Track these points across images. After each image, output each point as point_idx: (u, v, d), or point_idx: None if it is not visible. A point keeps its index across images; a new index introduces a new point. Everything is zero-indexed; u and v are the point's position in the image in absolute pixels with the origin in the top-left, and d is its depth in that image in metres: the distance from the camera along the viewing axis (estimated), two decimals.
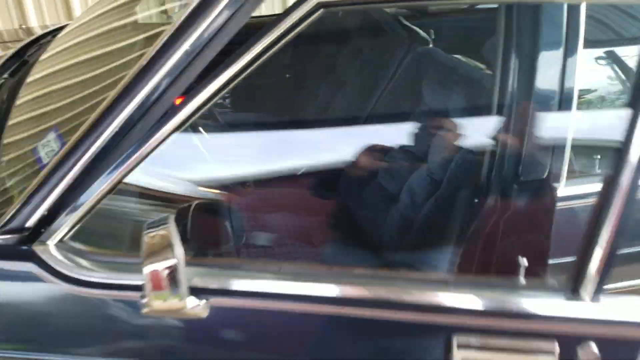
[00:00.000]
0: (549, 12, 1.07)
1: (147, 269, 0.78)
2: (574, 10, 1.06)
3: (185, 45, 0.85)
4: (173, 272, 0.79)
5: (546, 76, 1.09)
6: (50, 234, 0.92)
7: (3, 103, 1.34)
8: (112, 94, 0.88)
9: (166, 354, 0.93)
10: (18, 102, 1.26)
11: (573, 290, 0.85)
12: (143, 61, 0.87)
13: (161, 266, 0.78)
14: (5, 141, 1.17)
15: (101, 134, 0.87)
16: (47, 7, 3.52)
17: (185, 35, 0.85)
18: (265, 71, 1.48)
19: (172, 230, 0.79)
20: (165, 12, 1.39)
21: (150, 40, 0.99)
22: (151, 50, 0.87)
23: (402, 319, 0.86)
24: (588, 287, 0.84)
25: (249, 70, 0.85)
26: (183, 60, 0.85)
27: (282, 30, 0.85)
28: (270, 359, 0.93)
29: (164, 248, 0.78)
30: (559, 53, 1.07)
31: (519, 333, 0.86)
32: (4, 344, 0.94)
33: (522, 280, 0.97)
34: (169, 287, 0.79)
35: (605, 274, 0.83)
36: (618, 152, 0.80)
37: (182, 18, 0.86)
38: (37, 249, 0.92)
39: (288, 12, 0.86)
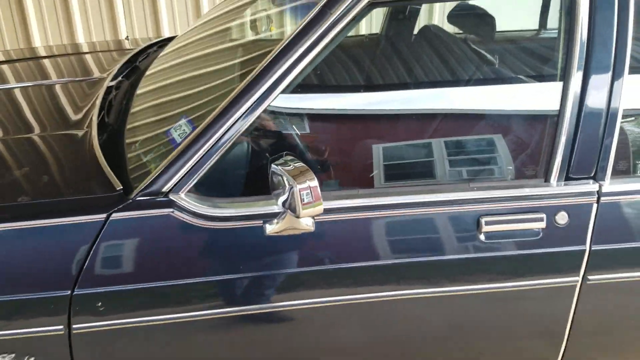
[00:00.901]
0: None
1: (304, 185, 1.11)
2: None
3: (294, 55, 1.18)
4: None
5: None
6: (179, 189, 1.23)
7: (123, 99, 1.67)
8: (236, 90, 1.19)
9: (280, 265, 1.29)
10: (139, 97, 1.55)
11: (546, 179, 1.32)
12: (259, 67, 1.19)
13: (314, 183, 1.12)
14: (129, 126, 1.45)
15: (224, 123, 1.19)
16: (51, 28, 3.91)
17: (295, 46, 1.18)
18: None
19: (310, 174, 1.13)
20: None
21: (261, 46, 1.31)
22: (267, 58, 1.19)
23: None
24: (556, 174, 1.31)
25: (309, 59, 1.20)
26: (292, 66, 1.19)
27: (339, 28, 1.20)
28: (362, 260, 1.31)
29: (304, 173, 1.13)
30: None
31: (520, 210, 1.31)
32: (148, 280, 1.25)
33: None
34: (321, 199, 1.13)
35: (568, 165, 1.30)
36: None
37: (295, 32, 1.19)
38: (174, 197, 1.23)
39: (342, 11, 1.21)
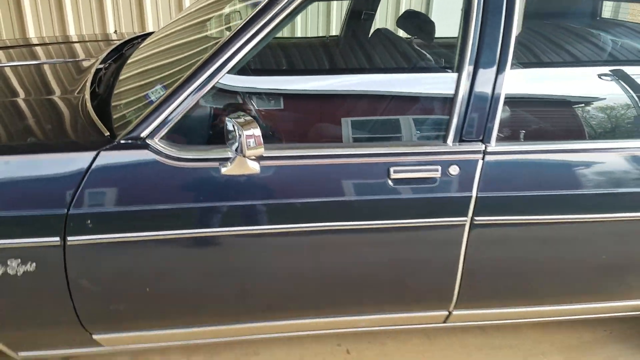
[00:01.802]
0: None
1: (249, 132, 1.47)
2: None
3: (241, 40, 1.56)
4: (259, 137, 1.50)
5: None
6: (154, 136, 1.60)
7: (111, 75, 2.08)
8: (195, 65, 1.57)
9: (232, 198, 1.64)
10: (125, 72, 1.97)
11: (444, 141, 1.69)
12: (216, 46, 1.56)
13: (258, 132, 1.48)
14: (116, 91, 1.82)
15: (188, 88, 1.56)
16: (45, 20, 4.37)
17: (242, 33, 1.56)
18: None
19: (254, 122, 1.50)
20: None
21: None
22: (221, 41, 1.57)
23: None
24: (451, 138, 1.68)
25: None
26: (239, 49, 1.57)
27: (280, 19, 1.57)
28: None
29: (250, 123, 1.49)
30: None
31: (422, 162, 1.68)
32: (126, 205, 1.60)
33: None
34: (262, 144, 1.50)
35: (461, 131, 1.67)
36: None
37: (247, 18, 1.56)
38: (150, 142, 1.59)
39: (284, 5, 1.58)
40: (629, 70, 2.05)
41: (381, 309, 1.92)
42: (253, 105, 1.85)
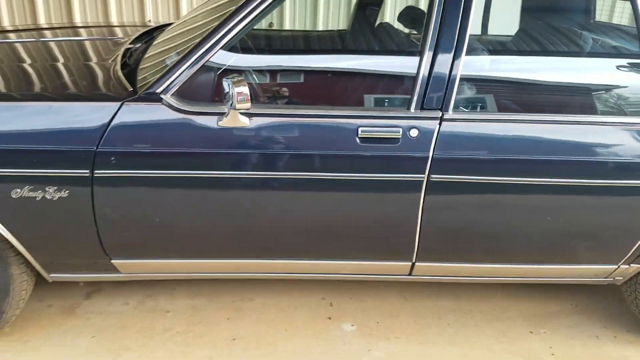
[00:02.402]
0: None
1: (240, 90, 1.84)
2: None
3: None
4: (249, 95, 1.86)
5: None
6: (167, 92, 1.98)
7: (140, 51, 2.53)
8: (198, 40, 1.97)
9: (226, 146, 2.00)
10: (150, 49, 2.43)
11: (408, 108, 2.03)
12: (212, 26, 1.96)
13: (246, 90, 1.85)
14: (142, 61, 2.25)
15: (193, 56, 1.96)
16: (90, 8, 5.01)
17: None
18: None
19: (243, 82, 1.87)
20: None
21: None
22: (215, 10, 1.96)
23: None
24: (413, 105, 2.02)
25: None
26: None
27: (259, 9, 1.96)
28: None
29: (241, 82, 1.85)
30: None
31: (386, 125, 2.01)
32: (142, 146, 1.98)
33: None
34: (251, 100, 1.86)
35: (422, 101, 2.01)
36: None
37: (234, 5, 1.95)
38: (163, 96, 1.97)
39: None
40: (587, 60, 2.37)
41: (352, 256, 2.24)
42: (253, 77, 2.23)
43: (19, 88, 2.18)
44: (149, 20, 4.86)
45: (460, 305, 2.71)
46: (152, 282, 2.70)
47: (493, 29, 3.00)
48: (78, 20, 4.99)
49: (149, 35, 2.82)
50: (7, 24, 4.91)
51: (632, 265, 2.26)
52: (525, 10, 2.72)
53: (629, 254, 2.21)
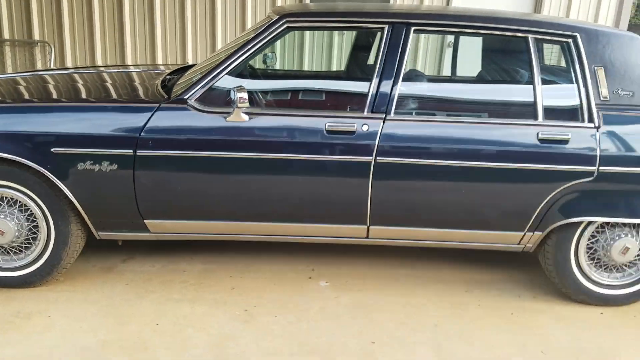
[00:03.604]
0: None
1: (241, 95, 2.66)
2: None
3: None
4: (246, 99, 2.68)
5: None
6: (192, 99, 2.81)
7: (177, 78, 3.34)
8: (212, 66, 2.84)
9: (232, 134, 2.80)
10: (184, 75, 3.34)
11: (362, 111, 2.83)
12: (224, 55, 2.84)
13: (245, 95, 2.66)
14: (180, 82, 3.11)
15: (209, 76, 2.82)
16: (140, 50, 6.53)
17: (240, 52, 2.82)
18: None
19: (244, 89, 2.69)
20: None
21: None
22: (228, 50, 2.80)
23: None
24: (365, 109, 2.82)
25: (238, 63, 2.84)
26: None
27: (259, 45, 2.83)
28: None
29: (242, 89, 2.67)
30: None
31: (345, 123, 2.82)
32: (172, 135, 2.80)
33: None
34: (247, 102, 2.68)
35: (372, 107, 2.81)
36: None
37: (242, 39, 2.81)
38: (189, 101, 2.80)
39: (263, 31, 2.83)
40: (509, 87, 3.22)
41: (323, 220, 2.99)
42: (257, 95, 3.10)
43: (90, 96, 3.08)
44: (187, 62, 6.03)
45: (415, 272, 3.43)
46: (174, 251, 3.48)
47: (461, 72, 3.91)
48: (129, 60, 6.22)
49: (185, 70, 3.68)
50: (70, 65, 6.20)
51: (535, 232, 2.98)
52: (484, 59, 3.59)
53: (531, 222, 2.94)
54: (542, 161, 2.81)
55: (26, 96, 3.11)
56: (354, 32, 4.11)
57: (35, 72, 3.72)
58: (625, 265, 3.09)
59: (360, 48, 3.81)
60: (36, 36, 6.69)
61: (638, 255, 3.07)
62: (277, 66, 6.27)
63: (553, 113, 2.87)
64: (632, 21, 19.22)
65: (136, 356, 2.51)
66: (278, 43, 6.29)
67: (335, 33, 6.61)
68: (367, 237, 3.06)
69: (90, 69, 4.00)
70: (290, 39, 6.57)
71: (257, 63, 4.26)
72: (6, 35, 6.68)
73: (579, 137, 2.81)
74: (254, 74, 3.56)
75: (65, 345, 2.56)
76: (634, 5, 18.69)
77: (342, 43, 6.52)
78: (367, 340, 2.72)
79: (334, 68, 6.73)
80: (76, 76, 3.60)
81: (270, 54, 4.17)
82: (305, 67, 6.69)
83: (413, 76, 3.25)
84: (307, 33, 6.56)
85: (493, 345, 2.73)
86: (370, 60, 2.95)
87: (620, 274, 3.12)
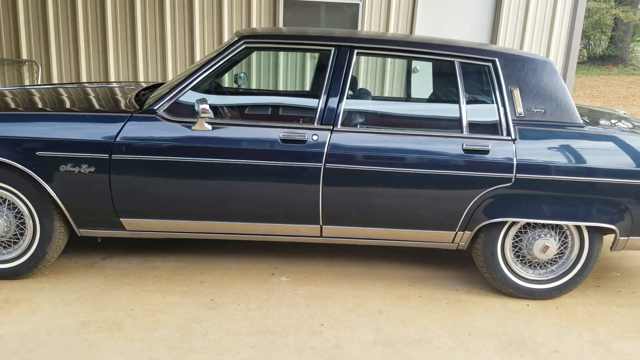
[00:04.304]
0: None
1: (203, 106, 3.05)
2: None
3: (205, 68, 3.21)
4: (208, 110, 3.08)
5: None
6: (160, 109, 3.21)
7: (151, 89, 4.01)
8: (175, 82, 3.22)
9: (197, 142, 3.19)
10: (157, 90, 3.87)
11: (314, 124, 3.24)
12: (183, 75, 3.23)
13: (207, 106, 3.06)
14: (152, 95, 3.51)
15: (175, 90, 3.22)
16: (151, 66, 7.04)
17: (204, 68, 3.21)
18: None
19: (206, 101, 3.09)
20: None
21: None
22: (196, 65, 3.21)
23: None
24: (317, 122, 3.24)
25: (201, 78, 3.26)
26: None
27: (220, 63, 3.25)
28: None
29: (204, 101, 3.07)
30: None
31: (298, 133, 3.24)
32: (142, 141, 3.18)
33: None
34: (210, 112, 3.08)
35: (322, 120, 3.22)
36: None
37: (207, 58, 3.21)
38: (157, 111, 3.20)
39: (224, 50, 3.25)
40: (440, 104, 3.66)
41: (280, 220, 3.38)
42: (223, 109, 3.50)
43: (72, 106, 3.45)
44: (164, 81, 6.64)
45: (367, 270, 3.82)
46: (149, 250, 3.85)
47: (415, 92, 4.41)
48: (141, 77, 6.92)
49: (160, 86, 4.08)
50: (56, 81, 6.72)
51: (465, 231, 3.39)
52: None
53: (461, 222, 3.35)
54: (467, 169, 3.23)
55: (13, 106, 3.49)
56: (317, 55, 4.54)
57: (23, 87, 4.11)
58: (548, 263, 3.49)
59: (319, 68, 4.24)
60: (24, 55, 7.09)
61: (558, 254, 3.47)
62: (253, 85, 6.79)
63: (476, 127, 3.30)
64: (605, 52, 20.04)
65: (112, 334, 2.86)
66: (254, 64, 6.78)
67: (308, 56, 7.06)
68: (321, 236, 3.45)
69: (74, 84, 4.39)
70: (265, 61, 7.03)
71: (229, 82, 4.72)
72: None
73: (498, 148, 3.24)
74: (221, 91, 4.00)
75: (49, 325, 2.91)
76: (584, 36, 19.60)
77: (313, 65, 6.99)
78: (317, 323, 3.09)
79: (307, 87, 7.19)
80: (60, 90, 3.99)
81: (242, 74, 4.60)
82: (280, 87, 7.15)
83: (360, 94, 3.69)
84: (281, 56, 7.00)
85: (427, 328, 3.12)
86: (323, 79, 3.37)
87: (543, 271, 3.52)
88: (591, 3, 20.10)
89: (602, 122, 3.88)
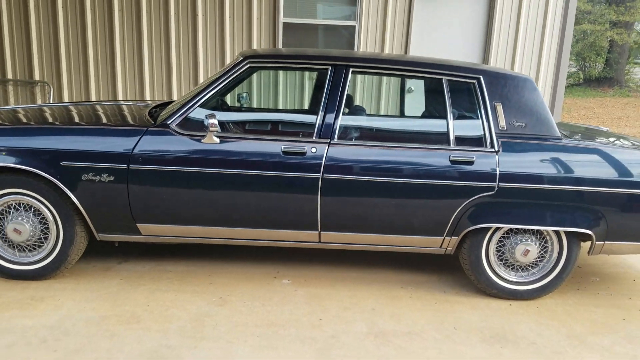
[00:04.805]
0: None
1: (212, 121, 3.38)
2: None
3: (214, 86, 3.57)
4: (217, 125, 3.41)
5: None
6: (173, 124, 3.54)
7: (160, 107, 4.34)
8: (186, 99, 3.56)
9: (207, 154, 3.51)
10: (168, 106, 4.22)
11: (313, 138, 3.58)
12: (192, 93, 3.56)
13: (215, 121, 3.39)
14: (164, 112, 3.85)
15: (186, 106, 3.56)
16: (157, 85, 7.43)
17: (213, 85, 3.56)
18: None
19: (214, 116, 3.42)
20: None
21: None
22: (204, 83, 3.56)
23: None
24: (315, 136, 3.57)
25: (209, 96, 3.59)
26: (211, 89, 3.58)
27: (226, 81, 3.58)
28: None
29: (213, 116, 3.39)
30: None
31: (298, 145, 3.56)
32: (156, 153, 3.51)
33: None
34: (218, 127, 3.41)
35: (319, 134, 3.55)
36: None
37: (214, 77, 3.56)
38: (170, 125, 3.53)
39: (229, 70, 3.59)
40: (429, 119, 4.01)
41: (281, 226, 3.68)
42: (229, 124, 3.83)
43: (91, 121, 3.76)
44: (172, 99, 7.01)
45: (363, 274, 4.11)
46: (162, 256, 4.16)
47: (408, 109, 4.76)
48: (148, 96, 7.36)
49: (169, 104, 4.42)
50: (67, 100, 7.11)
51: (452, 237, 3.70)
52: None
53: (448, 228, 3.66)
54: (453, 179, 3.54)
55: (34, 122, 3.80)
56: (316, 74, 4.89)
57: (41, 106, 4.44)
58: (529, 266, 3.80)
59: (317, 86, 4.57)
60: (36, 76, 7.47)
61: (539, 258, 3.78)
62: (254, 104, 7.17)
63: (462, 140, 3.62)
64: (601, 74, 20.36)
65: (130, 326, 3.16)
66: (255, 83, 7.16)
67: (306, 75, 7.43)
68: (320, 242, 3.75)
69: (86, 102, 4.73)
70: (265, 80, 7.41)
71: (232, 101, 5.08)
72: (9, 75, 7.44)
73: (482, 159, 3.56)
74: (226, 108, 4.35)
75: (73, 318, 3.21)
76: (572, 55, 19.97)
77: (311, 84, 7.36)
78: (316, 318, 3.39)
79: (305, 106, 7.55)
80: (79, 107, 4.34)
81: (244, 94, 4.95)
82: (280, 105, 7.51)
83: (355, 110, 4.03)
84: (281, 75, 7.38)
85: (416, 323, 3.41)
86: (321, 96, 3.70)
87: (525, 273, 3.82)
88: (586, 25, 20.53)
89: (580, 135, 4.20)
